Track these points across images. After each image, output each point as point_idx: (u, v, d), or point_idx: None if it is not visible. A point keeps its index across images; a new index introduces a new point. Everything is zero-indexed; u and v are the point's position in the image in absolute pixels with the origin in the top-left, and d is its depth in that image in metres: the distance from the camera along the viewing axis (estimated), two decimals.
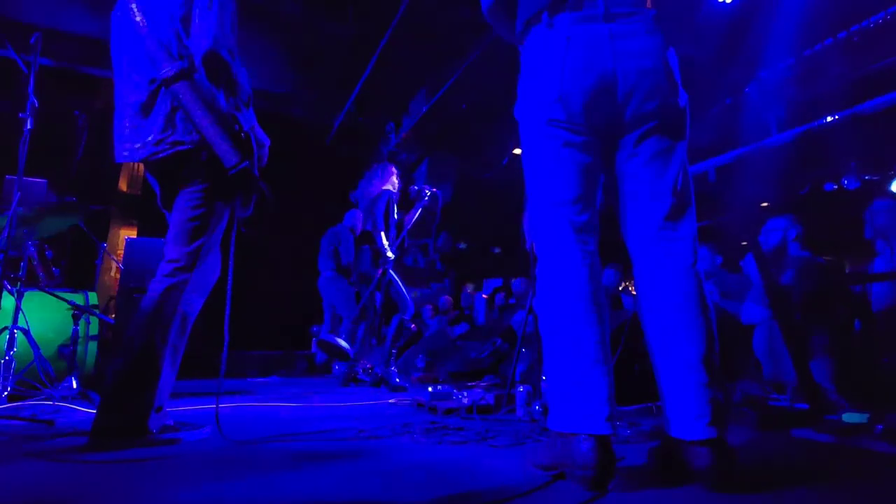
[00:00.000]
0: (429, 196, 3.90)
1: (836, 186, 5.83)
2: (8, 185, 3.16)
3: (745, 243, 3.52)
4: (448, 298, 7.19)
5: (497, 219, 8.13)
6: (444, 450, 1.57)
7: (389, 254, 3.71)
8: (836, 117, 1.95)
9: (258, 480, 1.24)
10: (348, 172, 6.54)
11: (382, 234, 3.76)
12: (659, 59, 1.28)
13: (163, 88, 1.67)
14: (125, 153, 1.73)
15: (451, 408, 2.29)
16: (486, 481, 1.23)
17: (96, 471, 1.31)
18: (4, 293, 2.53)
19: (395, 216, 3.96)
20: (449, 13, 4.72)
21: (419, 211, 3.94)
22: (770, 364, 2.68)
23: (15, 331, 2.38)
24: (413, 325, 6.89)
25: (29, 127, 2.12)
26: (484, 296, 6.58)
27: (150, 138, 1.69)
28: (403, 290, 3.81)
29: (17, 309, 2.40)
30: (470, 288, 7.23)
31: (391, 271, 3.76)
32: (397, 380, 3.55)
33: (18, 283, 2.46)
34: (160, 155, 1.68)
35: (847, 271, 4.14)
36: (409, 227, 3.96)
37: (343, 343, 3.49)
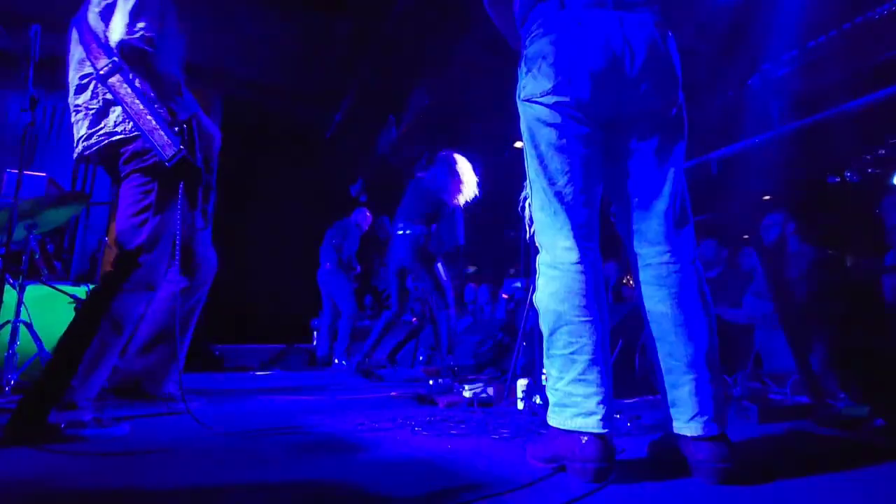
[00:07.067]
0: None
1: (838, 179, 5.80)
2: (9, 178, 3.16)
3: (746, 237, 3.51)
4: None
5: (497, 214, 8.10)
6: (444, 442, 1.58)
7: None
8: (840, 110, 1.93)
9: (255, 472, 1.24)
10: (348, 166, 6.52)
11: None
12: (666, 51, 1.29)
13: (97, 84, 1.69)
14: (75, 153, 1.77)
15: (452, 401, 2.30)
16: (486, 474, 1.23)
17: (93, 462, 1.33)
18: (7, 287, 2.54)
19: None
20: (448, 4, 4.68)
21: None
22: (770, 357, 2.68)
23: (18, 324, 2.39)
24: (415, 319, 6.88)
25: (29, 121, 2.12)
26: (504, 296, 6.58)
27: (82, 133, 1.72)
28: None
29: (20, 302, 2.41)
30: (474, 283, 7.23)
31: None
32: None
33: (20, 277, 2.47)
34: (92, 147, 1.71)
35: (849, 264, 4.12)
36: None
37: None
